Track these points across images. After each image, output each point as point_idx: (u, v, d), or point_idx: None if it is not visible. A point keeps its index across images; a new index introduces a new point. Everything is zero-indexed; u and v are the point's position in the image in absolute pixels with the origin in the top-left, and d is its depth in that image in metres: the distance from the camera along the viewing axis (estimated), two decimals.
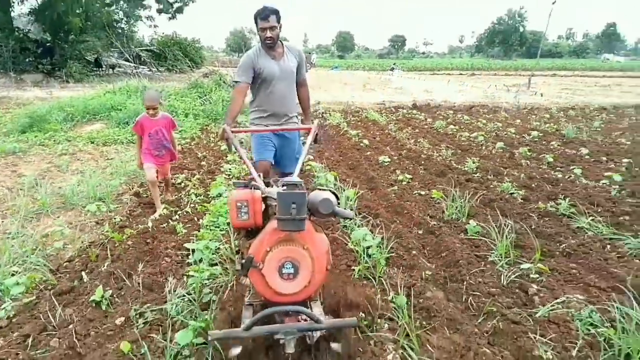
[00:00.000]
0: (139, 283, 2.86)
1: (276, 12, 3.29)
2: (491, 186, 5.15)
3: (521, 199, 4.66)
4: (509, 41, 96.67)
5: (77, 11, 21.19)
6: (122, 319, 2.52)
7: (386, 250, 3.18)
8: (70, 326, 2.47)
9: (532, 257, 3.11)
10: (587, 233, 3.71)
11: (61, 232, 3.76)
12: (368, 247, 3.22)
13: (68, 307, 2.67)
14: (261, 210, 2.16)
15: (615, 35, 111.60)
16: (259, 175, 2.46)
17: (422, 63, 62.49)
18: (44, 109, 9.09)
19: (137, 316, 2.54)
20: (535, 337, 2.29)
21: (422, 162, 6.32)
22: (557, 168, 6.05)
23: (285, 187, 1.96)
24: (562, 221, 4.02)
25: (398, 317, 2.48)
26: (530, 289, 2.75)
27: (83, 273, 3.10)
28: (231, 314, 2.30)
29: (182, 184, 5.35)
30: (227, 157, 6.74)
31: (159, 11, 27.51)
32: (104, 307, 2.67)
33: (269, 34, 3.29)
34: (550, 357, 2.16)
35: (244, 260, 1.99)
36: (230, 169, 5.95)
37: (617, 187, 4.95)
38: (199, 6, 30.20)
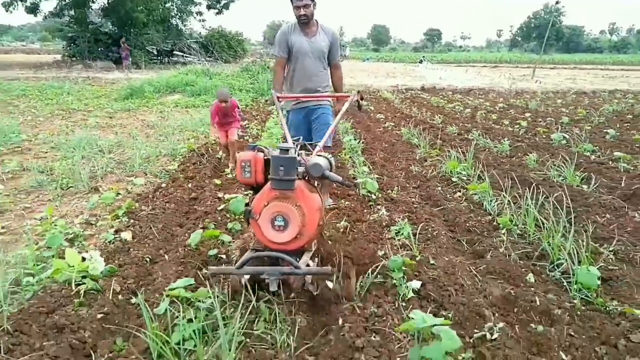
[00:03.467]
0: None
1: None
2: (445, 130, 7.89)
3: (457, 134, 7.41)
4: (544, 36, 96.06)
5: (140, 8, 24.53)
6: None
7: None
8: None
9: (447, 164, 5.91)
10: (493, 149, 6.47)
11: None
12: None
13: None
14: (262, 170, 2.41)
15: None
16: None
17: (455, 56, 63.98)
18: (138, 83, 12.37)
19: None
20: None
21: (406, 119, 9.08)
22: (500, 122, 8.73)
23: (278, 151, 2.27)
24: (473, 142, 6.78)
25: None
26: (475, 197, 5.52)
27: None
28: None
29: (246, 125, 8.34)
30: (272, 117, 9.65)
31: (208, 7, 30.83)
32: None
33: (302, 11, 3.51)
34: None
35: (246, 212, 2.31)
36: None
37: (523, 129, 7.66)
38: (240, 1, 33.18)
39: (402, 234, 3.28)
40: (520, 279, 2.73)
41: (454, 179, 4.80)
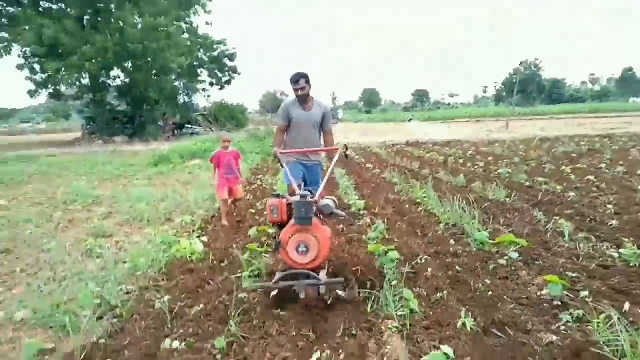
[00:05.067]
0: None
1: (305, 76, 4.28)
2: (421, 172, 9.92)
3: (428, 174, 9.45)
4: (526, 90, 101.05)
5: (152, 88, 27.35)
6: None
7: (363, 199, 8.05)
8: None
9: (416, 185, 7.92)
10: (452, 182, 8.47)
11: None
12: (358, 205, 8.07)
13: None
14: (286, 211, 3.42)
15: (633, 79, 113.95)
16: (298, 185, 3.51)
17: (442, 114, 67.56)
18: (164, 151, 14.60)
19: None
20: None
21: (390, 166, 11.14)
22: (465, 165, 10.80)
23: (299, 197, 3.13)
24: (431, 177, 8.78)
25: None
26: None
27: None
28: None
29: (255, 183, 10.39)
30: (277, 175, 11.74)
31: (211, 84, 34.04)
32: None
33: (299, 92, 4.30)
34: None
35: (276, 243, 3.13)
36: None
37: (481, 168, 9.71)
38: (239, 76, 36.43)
39: (378, 228, 5.20)
40: (446, 242, 4.66)
41: (417, 201, 6.77)
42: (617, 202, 6.08)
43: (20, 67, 27.52)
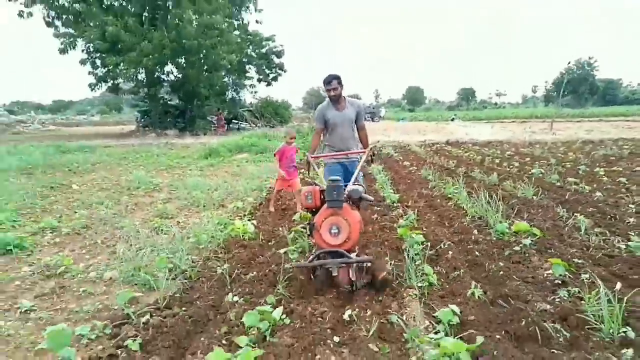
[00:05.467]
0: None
1: (337, 77, 4.56)
2: (456, 170, 10.32)
3: (465, 174, 9.84)
4: (578, 90, 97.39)
5: (203, 84, 28.60)
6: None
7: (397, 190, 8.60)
8: None
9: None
10: (485, 180, 8.87)
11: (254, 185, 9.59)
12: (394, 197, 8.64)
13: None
14: (319, 197, 3.72)
15: None
16: None
17: (487, 114, 66.37)
18: (214, 145, 15.60)
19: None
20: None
21: (428, 164, 11.57)
22: (502, 165, 11.09)
23: (330, 182, 3.43)
24: (462, 175, 9.18)
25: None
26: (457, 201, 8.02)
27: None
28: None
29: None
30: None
31: (259, 80, 35.10)
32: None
33: (332, 93, 4.58)
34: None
35: (310, 226, 3.53)
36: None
37: (516, 168, 10.03)
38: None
39: (409, 218, 5.75)
40: (469, 232, 5.16)
41: (449, 196, 7.25)
42: (634, 200, 6.37)
43: (83, 61, 29.46)
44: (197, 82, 27.93)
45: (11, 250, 4.92)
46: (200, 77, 27.95)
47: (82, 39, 27.27)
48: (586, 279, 3.58)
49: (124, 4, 28.28)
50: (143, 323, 3.13)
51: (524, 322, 2.95)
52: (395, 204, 6.78)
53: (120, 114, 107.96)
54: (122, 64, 25.31)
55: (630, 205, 6.17)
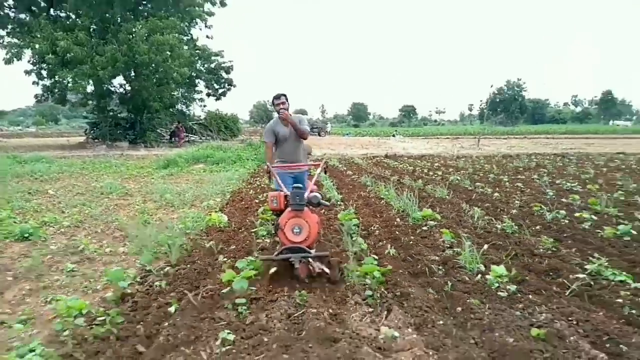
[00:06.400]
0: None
1: (285, 95, 5.31)
2: (391, 178, 12.12)
3: (398, 181, 11.64)
4: (509, 109, 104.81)
5: (153, 97, 29.22)
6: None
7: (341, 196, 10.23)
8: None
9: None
10: (413, 185, 10.69)
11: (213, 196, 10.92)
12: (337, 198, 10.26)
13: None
14: (284, 201, 4.30)
15: (611, 102, 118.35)
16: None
17: (426, 130, 70.52)
18: (171, 156, 16.69)
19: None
20: None
21: (368, 174, 13.34)
22: (429, 174, 13.05)
23: (294, 189, 4.10)
24: (391, 181, 10.97)
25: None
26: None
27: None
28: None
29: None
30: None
31: (208, 95, 36.13)
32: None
33: (281, 107, 5.27)
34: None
35: (275, 226, 4.14)
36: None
37: (439, 176, 11.97)
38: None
39: (350, 210, 7.32)
40: (393, 219, 6.82)
41: (381, 197, 8.95)
42: (525, 200, 8.34)
43: (27, 72, 29.36)
44: (147, 95, 28.54)
45: (28, 237, 6.03)
46: (150, 90, 28.58)
47: (29, 50, 27.21)
48: (470, 245, 5.30)
49: (73, 16, 28.55)
50: (163, 273, 4.50)
51: (419, 266, 4.60)
52: (338, 203, 8.38)
53: (58, 125, 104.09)
54: (71, 77, 25.50)
55: (517, 202, 8.12)
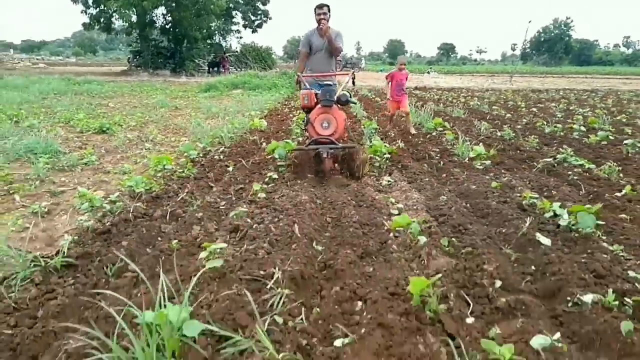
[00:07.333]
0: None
1: (328, 6, 5.08)
2: (416, 104, 13.00)
3: (422, 106, 12.53)
4: (553, 50, 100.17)
5: (193, 27, 30.07)
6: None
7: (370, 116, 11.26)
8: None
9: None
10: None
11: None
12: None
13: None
14: (314, 99, 4.56)
15: None
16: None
17: (463, 69, 68.92)
18: (211, 82, 17.89)
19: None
20: None
21: None
22: (453, 102, 13.83)
23: (324, 86, 4.72)
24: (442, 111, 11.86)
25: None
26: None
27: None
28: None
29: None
30: None
31: (244, 26, 36.65)
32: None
33: (322, 17, 5.05)
34: None
35: (305, 121, 5.02)
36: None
37: (462, 103, 12.79)
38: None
39: (372, 123, 8.38)
40: (409, 130, 7.88)
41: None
42: (533, 120, 9.21)
43: (74, 1, 30.52)
44: (187, 24, 29.40)
45: (105, 131, 7.43)
46: (190, 20, 29.39)
47: None
48: (462, 139, 6.36)
49: None
50: (220, 152, 5.80)
51: (421, 154, 5.74)
52: (363, 118, 9.46)
53: (96, 56, 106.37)
54: (116, 6, 26.45)
55: (524, 119, 9.00)
